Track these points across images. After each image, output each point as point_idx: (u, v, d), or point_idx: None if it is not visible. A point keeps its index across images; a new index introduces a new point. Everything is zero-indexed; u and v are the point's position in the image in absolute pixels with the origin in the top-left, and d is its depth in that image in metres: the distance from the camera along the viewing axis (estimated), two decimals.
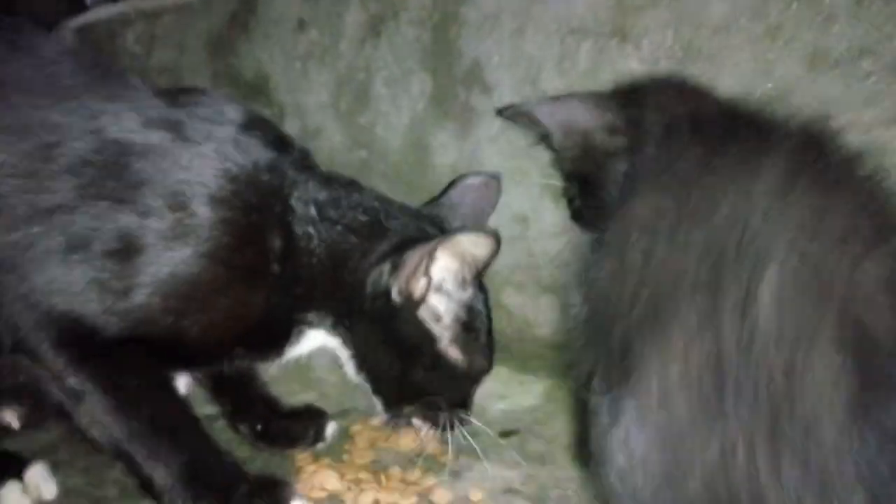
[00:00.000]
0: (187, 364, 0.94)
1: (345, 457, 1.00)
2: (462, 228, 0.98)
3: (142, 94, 0.91)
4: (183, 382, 1.14)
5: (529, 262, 1.19)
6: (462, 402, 0.96)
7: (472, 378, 0.97)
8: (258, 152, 0.89)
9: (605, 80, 1.07)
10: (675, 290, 0.60)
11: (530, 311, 1.22)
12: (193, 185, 0.83)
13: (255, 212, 0.86)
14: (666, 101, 0.86)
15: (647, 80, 0.95)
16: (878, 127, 0.90)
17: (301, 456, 0.99)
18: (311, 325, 0.93)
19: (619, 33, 1.06)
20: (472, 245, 0.87)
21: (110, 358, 0.83)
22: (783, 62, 0.94)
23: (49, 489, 0.90)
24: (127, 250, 0.81)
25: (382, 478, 0.94)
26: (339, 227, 0.91)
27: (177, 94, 0.94)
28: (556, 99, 1.00)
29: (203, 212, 0.83)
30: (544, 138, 1.01)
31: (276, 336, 0.93)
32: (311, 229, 0.90)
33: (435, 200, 1.07)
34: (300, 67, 1.47)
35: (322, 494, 0.91)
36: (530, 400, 1.12)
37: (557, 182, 1.07)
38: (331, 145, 1.36)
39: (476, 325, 0.95)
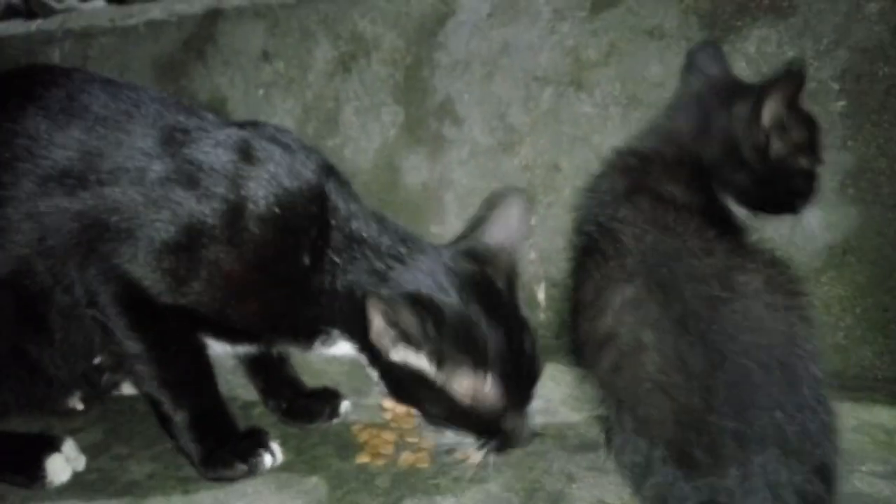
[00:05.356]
0: (224, 337, 1.06)
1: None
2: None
3: (212, 120, 1.06)
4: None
5: None
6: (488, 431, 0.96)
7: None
8: (306, 179, 1.03)
9: (565, 119, 1.37)
10: None
11: None
12: (248, 204, 0.99)
13: (293, 234, 1.01)
14: None
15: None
16: None
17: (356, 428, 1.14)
18: (336, 337, 1.04)
19: (575, 83, 1.36)
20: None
21: (161, 323, 1.00)
22: None
23: (80, 461, 1.05)
24: (190, 246, 0.97)
25: None
26: (361, 264, 1.00)
27: (242, 124, 1.09)
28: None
29: (253, 227, 0.99)
30: None
31: (302, 334, 1.06)
32: (337, 258, 1.00)
33: (474, 227, 1.05)
34: (262, 94, 1.61)
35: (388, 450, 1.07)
36: None
37: None
38: None
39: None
